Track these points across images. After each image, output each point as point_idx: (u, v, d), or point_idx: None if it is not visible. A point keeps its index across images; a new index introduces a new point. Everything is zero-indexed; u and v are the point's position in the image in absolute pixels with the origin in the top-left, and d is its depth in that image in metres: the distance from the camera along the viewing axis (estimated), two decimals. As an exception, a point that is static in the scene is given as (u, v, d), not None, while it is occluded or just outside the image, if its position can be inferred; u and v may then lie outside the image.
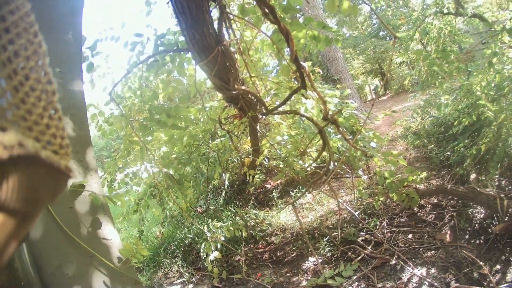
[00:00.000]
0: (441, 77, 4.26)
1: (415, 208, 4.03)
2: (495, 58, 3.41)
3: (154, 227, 5.47)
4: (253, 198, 5.47)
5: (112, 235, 1.85)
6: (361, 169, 4.08)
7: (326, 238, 3.90)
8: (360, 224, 4.03)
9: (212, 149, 4.52)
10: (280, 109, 3.39)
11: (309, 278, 3.52)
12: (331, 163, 3.00)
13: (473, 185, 3.68)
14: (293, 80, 3.83)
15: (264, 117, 4.21)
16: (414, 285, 2.99)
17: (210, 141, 4.58)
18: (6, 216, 0.27)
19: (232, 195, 5.60)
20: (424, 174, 3.88)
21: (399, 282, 3.03)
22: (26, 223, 0.30)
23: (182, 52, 3.30)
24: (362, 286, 3.14)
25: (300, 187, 5.08)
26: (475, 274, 2.90)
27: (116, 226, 6.80)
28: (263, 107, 3.36)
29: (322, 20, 7.97)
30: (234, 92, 3.22)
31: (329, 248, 3.78)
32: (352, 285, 3.19)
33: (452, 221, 3.67)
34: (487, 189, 3.55)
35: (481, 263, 2.96)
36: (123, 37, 3.18)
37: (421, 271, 3.13)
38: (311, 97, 3.79)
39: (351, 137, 3.44)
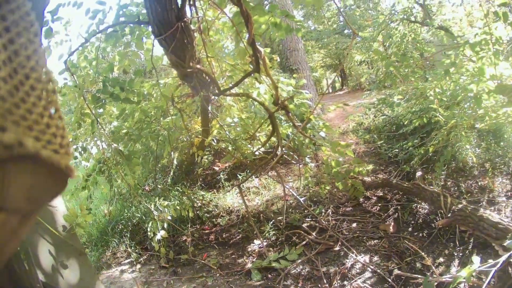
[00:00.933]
0: (397, 79, 4.59)
1: (361, 199, 4.27)
2: (452, 68, 3.57)
3: (103, 205, 5.41)
4: (200, 179, 5.57)
5: (57, 202, 1.87)
6: (308, 156, 4.25)
7: (271, 222, 4.08)
8: (305, 211, 4.21)
9: (163, 127, 4.54)
10: (233, 91, 3.55)
11: (254, 260, 3.68)
12: (279, 148, 3.10)
13: (419, 181, 3.90)
14: (249, 64, 3.98)
15: (216, 98, 4.25)
16: (357, 270, 3.19)
17: (161, 119, 4.59)
18: (6, 215, 0.28)
19: (180, 175, 5.69)
20: (371, 166, 4.21)
21: (342, 267, 3.23)
22: (26, 222, 0.31)
23: (142, 25, 3.31)
24: (307, 269, 3.33)
25: (248, 171, 5.22)
26: (418, 264, 3.11)
27: (64, 204, 6.75)
28: (215, 88, 3.41)
29: (288, 10, 8.30)
30: (188, 70, 3.24)
31: (274, 232, 3.96)
32: (297, 268, 3.37)
33: (396, 213, 3.93)
34: (431, 187, 3.77)
35: (423, 254, 3.17)
36: (86, 4, 3.21)
37: (364, 258, 3.34)
38: (264, 83, 3.97)
39: (300, 124, 3.59)
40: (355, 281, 3.02)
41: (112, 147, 3.90)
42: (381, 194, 4.34)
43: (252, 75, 3.25)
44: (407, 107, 5.20)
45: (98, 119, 3.69)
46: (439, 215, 3.53)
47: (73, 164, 0.33)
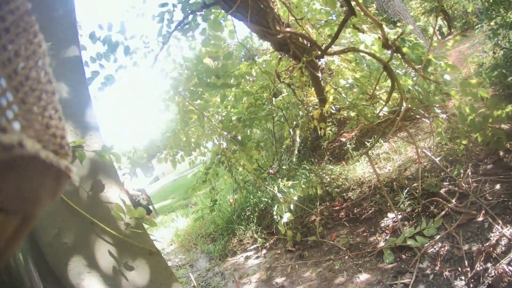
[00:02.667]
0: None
1: (501, 153, 3.87)
2: None
3: (229, 195, 5.96)
4: (328, 153, 5.67)
5: (117, 198, 1.91)
6: (437, 105, 3.94)
7: (406, 191, 3.93)
8: (442, 173, 3.98)
9: (276, 106, 4.74)
10: (336, 49, 3.67)
11: (387, 238, 3.61)
12: (403, 103, 3.03)
13: None
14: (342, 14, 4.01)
15: (323, 63, 4.24)
16: (503, 248, 2.87)
17: (273, 99, 4.79)
18: (6, 217, 0.31)
19: (306, 152, 5.88)
20: (510, 107, 3.68)
21: (486, 244, 2.93)
22: (27, 223, 0.35)
23: (211, 8, 3.52)
24: (446, 248, 3.11)
25: (376, 136, 5.02)
26: None
27: (192, 199, 7.91)
28: (317, 49, 3.45)
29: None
30: (279, 36, 3.32)
31: (409, 202, 3.81)
32: (435, 246, 3.17)
33: None
34: None
35: None
36: (148, 12, 3.68)
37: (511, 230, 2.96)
38: (367, 32, 3.84)
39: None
40: (500, 263, 2.70)
41: (223, 136, 4.24)
42: None
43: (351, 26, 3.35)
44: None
45: (204, 112, 4.08)
46: None
47: (71, 165, 0.39)
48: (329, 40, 4.01)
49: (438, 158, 4.15)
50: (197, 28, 3.83)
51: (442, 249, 3.13)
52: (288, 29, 3.33)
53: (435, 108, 3.95)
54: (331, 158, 5.60)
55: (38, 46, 0.37)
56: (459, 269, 2.84)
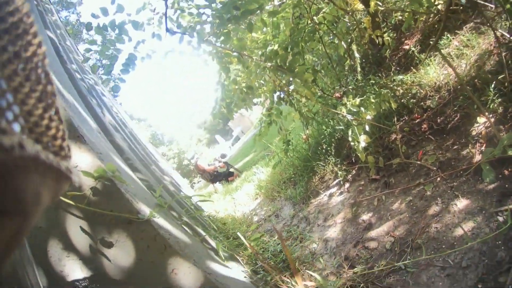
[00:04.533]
0: None
1: None
2: None
3: (301, 132, 5.80)
4: (393, 63, 5.21)
5: (88, 157, 1.75)
6: None
7: (492, 86, 3.41)
8: None
9: (319, 23, 4.34)
10: None
11: (482, 149, 3.15)
12: None
13: None
14: None
15: None
16: None
17: (315, 17, 4.34)
18: (6, 218, 0.32)
19: (371, 68, 5.46)
20: None
21: None
22: (26, 224, 0.35)
23: None
24: None
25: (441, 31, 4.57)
26: None
27: (271, 147, 7.83)
28: None
29: None
30: None
31: (499, 100, 3.32)
32: None
33: None
34: None
35: None
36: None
37: None
38: None
39: None
40: None
41: (268, 68, 3.96)
42: None
43: None
44: None
45: (242, 52, 3.85)
46: None
47: (71, 167, 0.38)
48: None
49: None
50: None
51: None
52: None
53: None
54: (398, 69, 5.11)
55: (38, 47, 0.37)
56: None
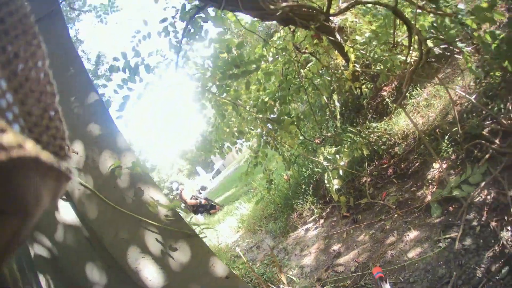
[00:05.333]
0: None
1: None
2: None
3: (283, 172, 6.29)
4: (370, 110, 5.85)
5: (158, 196, 2.44)
6: (458, 39, 3.71)
7: (447, 136, 4.00)
8: (484, 112, 3.91)
9: (305, 78, 4.96)
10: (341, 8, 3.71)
11: (433, 190, 3.79)
12: (422, 45, 3.05)
13: None
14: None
15: (336, 23, 4.41)
16: None
17: (301, 70, 4.97)
18: (6, 218, 0.33)
19: (350, 114, 6.11)
20: None
21: None
22: (27, 224, 0.36)
23: (206, 9, 3.85)
24: (492, 195, 3.18)
25: (413, 84, 5.20)
26: None
27: (253, 184, 8.42)
28: (320, 14, 3.60)
29: None
30: (278, 14, 3.51)
31: (452, 149, 3.91)
32: (481, 194, 3.26)
33: None
34: None
35: None
36: (153, 30, 4.21)
37: None
38: None
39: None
40: None
41: (259, 119, 4.58)
42: None
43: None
44: None
45: (238, 101, 4.46)
46: None
47: (71, 167, 0.38)
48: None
49: (474, 96, 4.09)
50: (201, 30, 4.15)
51: (489, 196, 3.20)
52: (284, 4, 3.49)
53: (457, 43, 3.70)
54: (374, 116, 5.76)
55: (37, 48, 0.39)
56: (505, 217, 2.91)
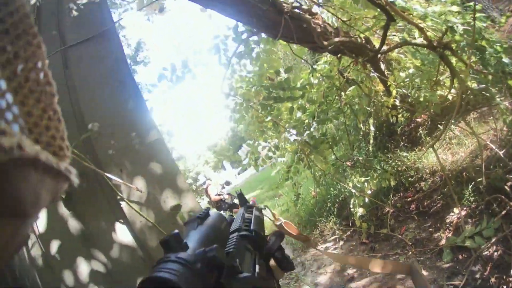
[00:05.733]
0: None
1: None
2: None
3: (311, 187, 6.68)
4: (403, 138, 6.09)
5: (187, 200, 2.71)
6: (497, 95, 3.93)
7: (471, 184, 4.18)
8: (510, 162, 3.99)
9: (344, 101, 5.21)
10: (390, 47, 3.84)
11: (449, 235, 4.03)
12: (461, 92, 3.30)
13: None
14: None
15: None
16: None
17: (342, 93, 5.19)
18: (6, 219, 0.34)
19: (383, 138, 6.34)
20: None
21: None
22: (26, 225, 0.37)
23: (258, 33, 4.08)
24: (499, 252, 3.39)
25: (443, 122, 5.07)
26: None
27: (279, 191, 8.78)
28: (369, 48, 3.86)
29: None
30: (329, 48, 3.70)
31: (474, 198, 4.09)
32: (490, 249, 3.47)
33: None
34: None
35: None
36: (204, 44, 4.53)
37: None
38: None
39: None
40: None
41: (297, 140, 4.92)
42: None
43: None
44: None
45: (277, 121, 4.80)
46: None
47: (71, 168, 0.39)
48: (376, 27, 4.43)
49: (503, 151, 4.17)
50: (252, 51, 4.44)
51: (495, 253, 3.42)
52: (336, 39, 3.70)
53: (496, 98, 3.98)
54: (406, 144, 5.99)
55: (38, 48, 0.39)
56: (504, 276, 3.14)
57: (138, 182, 2.57)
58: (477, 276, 3.34)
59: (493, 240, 3.48)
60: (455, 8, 4.06)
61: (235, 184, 21.90)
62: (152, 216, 2.57)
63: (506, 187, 3.82)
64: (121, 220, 2.55)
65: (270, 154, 5.42)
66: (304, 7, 3.73)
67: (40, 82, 0.40)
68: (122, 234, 2.53)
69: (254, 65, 4.67)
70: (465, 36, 3.65)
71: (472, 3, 4.53)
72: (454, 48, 3.66)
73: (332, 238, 5.55)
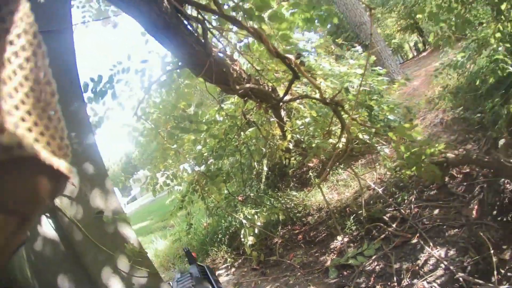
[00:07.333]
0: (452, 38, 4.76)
1: (446, 179, 4.64)
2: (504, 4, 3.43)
3: (203, 218, 7.04)
4: (294, 179, 6.75)
5: (130, 235, 2.92)
6: (379, 144, 4.88)
7: (353, 216, 4.96)
8: (391, 199, 4.85)
9: (243, 140, 5.74)
10: (292, 97, 4.42)
11: (334, 257, 4.62)
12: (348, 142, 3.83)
13: (501, 152, 4.07)
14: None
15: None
16: (430, 267, 3.65)
17: (242, 133, 5.73)
18: (5, 218, 0.34)
19: (275, 178, 6.94)
20: (442, 146, 4.12)
21: (415, 263, 3.77)
22: (25, 224, 0.38)
23: (182, 67, 4.35)
24: (380, 266, 4.03)
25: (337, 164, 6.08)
26: (495, 259, 3.23)
27: (169, 221, 8.98)
28: (274, 97, 4.35)
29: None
30: (240, 92, 4.14)
31: (355, 227, 4.83)
32: (372, 264, 4.11)
33: (482, 193, 4.12)
34: None
35: (504, 246, 3.35)
36: (132, 66, 4.77)
37: (440, 252, 3.71)
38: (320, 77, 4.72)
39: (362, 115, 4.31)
40: (425, 279, 3.50)
41: (195, 171, 5.27)
42: (468, 169, 4.63)
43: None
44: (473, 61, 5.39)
45: (179, 150, 5.11)
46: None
47: (70, 167, 0.40)
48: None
49: (382, 189, 5.12)
50: (173, 83, 4.82)
51: (377, 267, 4.06)
52: (247, 85, 4.16)
53: (377, 146, 4.92)
54: (296, 184, 6.68)
55: (38, 47, 0.40)
56: (389, 283, 3.74)
57: (73, 179, 2.70)
58: (363, 286, 3.93)
59: (374, 257, 4.16)
60: (359, 70, 4.93)
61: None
62: (80, 211, 2.75)
63: (385, 217, 4.66)
64: (47, 214, 2.67)
65: (168, 181, 5.64)
66: (228, 52, 4.19)
67: (40, 82, 0.40)
68: (47, 228, 2.65)
69: (170, 95, 5.05)
70: (359, 96, 4.39)
71: (377, 68, 5.49)
72: (348, 104, 4.38)
73: (224, 266, 5.89)
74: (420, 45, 26.91)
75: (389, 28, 23.98)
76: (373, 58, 5.67)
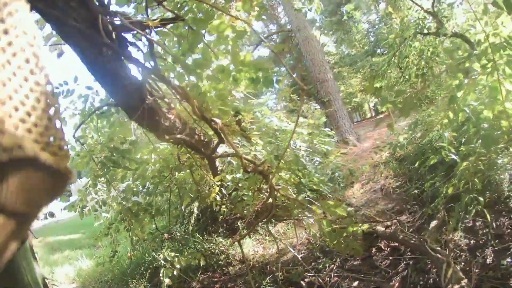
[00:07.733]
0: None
1: (373, 250, 4.69)
2: (460, 92, 3.52)
3: (130, 247, 6.75)
4: (225, 225, 6.79)
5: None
6: (300, 215, 5.01)
7: (270, 276, 4.98)
8: (313, 263, 4.91)
9: (174, 182, 5.82)
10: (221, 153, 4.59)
11: None
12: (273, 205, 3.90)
13: (431, 235, 4.16)
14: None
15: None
16: None
17: (176, 173, 5.79)
18: (5, 218, 0.35)
19: (205, 221, 6.99)
20: (366, 226, 4.64)
21: None
22: (26, 224, 0.39)
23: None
24: None
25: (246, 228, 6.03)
26: None
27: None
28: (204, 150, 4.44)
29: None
30: (171, 141, 4.22)
31: (271, 287, 4.80)
32: None
33: (406, 270, 4.11)
34: (440, 248, 3.88)
35: None
36: (78, 90, 4.78)
37: None
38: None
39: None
40: None
41: (122, 205, 5.33)
42: (396, 244, 4.63)
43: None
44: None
45: (109, 180, 5.18)
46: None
47: (71, 167, 0.39)
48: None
49: (306, 252, 5.26)
50: (112, 116, 4.87)
51: None
52: (178, 136, 4.11)
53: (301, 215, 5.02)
54: (226, 231, 6.71)
55: (38, 48, 0.40)
56: None
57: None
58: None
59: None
60: (304, 131, 5.19)
61: (58, 218, 20.70)
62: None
63: (302, 282, 4.68)
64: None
65: (97, 206, 5.67)
66: (166, 100, 4.15)
67: (40, 83, 0.40)
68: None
69: (109, 124, 5.08)
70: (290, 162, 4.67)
71: (327, 129, 5.64)
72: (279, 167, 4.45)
73: (141, 302, 5.77)
74: (379, 107, 27.98)
75: (352, 87, 25.30)
76: (323, 119, 5.77)
